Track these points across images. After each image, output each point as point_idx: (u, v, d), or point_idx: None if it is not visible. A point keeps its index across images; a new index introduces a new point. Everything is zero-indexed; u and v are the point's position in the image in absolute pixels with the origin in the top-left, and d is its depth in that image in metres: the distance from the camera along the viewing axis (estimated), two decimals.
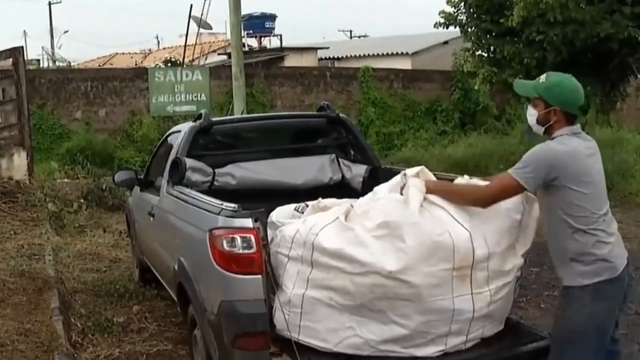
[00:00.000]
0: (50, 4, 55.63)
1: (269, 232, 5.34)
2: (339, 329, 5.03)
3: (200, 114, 7.57)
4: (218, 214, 5.36)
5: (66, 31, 44.91)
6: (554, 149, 4.61)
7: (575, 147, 4.65)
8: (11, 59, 16.78)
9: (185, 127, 7.77)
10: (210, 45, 36.66)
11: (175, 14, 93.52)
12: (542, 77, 4.76)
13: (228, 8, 19.05)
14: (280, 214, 5.50)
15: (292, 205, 5.60)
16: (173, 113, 22.11)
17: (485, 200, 4.87)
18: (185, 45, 27.62)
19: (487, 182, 4.98)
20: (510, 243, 5.12)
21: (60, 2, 56.21)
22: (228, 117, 10.81)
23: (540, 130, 4.80)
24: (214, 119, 7.76)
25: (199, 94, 23.09)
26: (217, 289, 5.37)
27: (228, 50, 26.69)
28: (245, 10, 23.29)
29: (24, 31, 54.25)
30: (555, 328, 4.90)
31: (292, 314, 5.08)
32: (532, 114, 4.81)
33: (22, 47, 17.56)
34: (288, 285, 5.10)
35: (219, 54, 35.48)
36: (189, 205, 6.17)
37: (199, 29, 29.99)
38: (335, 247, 4.91)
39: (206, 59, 33.07)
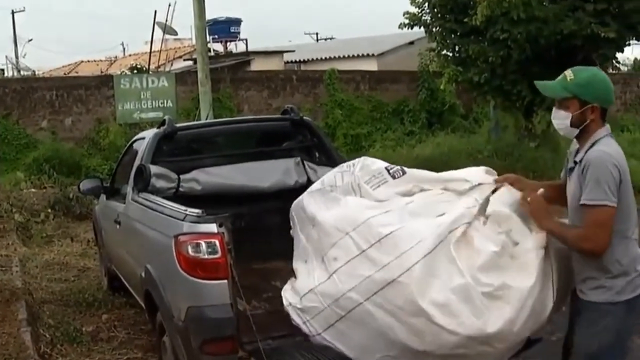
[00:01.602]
0: (13, 12, 55.17)
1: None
2: (375, 351, 4.57)
3: (164, 120, 7.56)
4: (183, 219, 5.37)
5: (30, 40, 44.56)
6: (613, 154, 4.19)
7: (620, 149, 4.33)
8: None
9: (149, 133, 7.75)
10: (176, 51, 36.51)
11: (140, 21, 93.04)
12: (568, 75, 4.37)
13: (193, 13, 19.02)
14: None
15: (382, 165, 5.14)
16: (140, 120, 21.98)
17: (603, 247, 4.19)
18: (150, 52, 27.50)
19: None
20: None
21: (23, 10, 55.67)
22: (192, 123, 10.81)
23: (573, 133, 4.40)
24: (178, 124, 7.75)
25: (165, 100, 22.99)
26: (183, 295, 5.37)
27: (194, 56, 26.62)
28: (210, 15, 23.31)
29: None
30: (579, 343, 4.48)
31: (330, 311, 4.63)
32: (563, 117, 4.38)
33: None
34: (344, 282, 4.52)
35: (184, 60, 35.37)
36: (154, 212, 6.16)
37: (164, 35, 29.87)
38: (441, 300, 4.28)
39: (172, 65, 32.97)
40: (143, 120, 21.45)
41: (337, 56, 32.80)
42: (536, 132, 19.91)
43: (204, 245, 5.14)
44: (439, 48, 19.80)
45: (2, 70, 41.79)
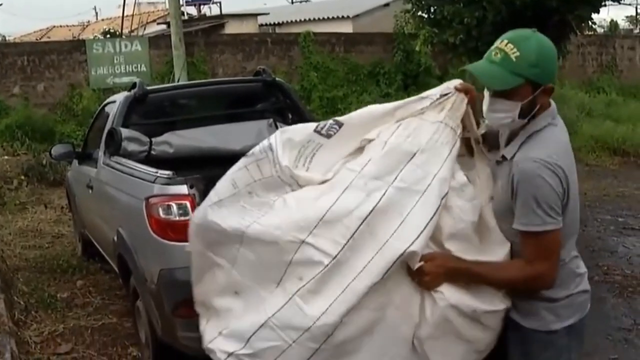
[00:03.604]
0: None
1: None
2: None
3: (135, 83, 7.48)
4: (153, 182, 5.34)
5: (0, 4, 43.92)
6: (551, 159, 3.17)
7: (564, 138, 3.38)
8: None
9: (120, 97, 7.68)
10: (149, 15, 36.25)
11: None
12: (510, 50, 3.19)
13: None
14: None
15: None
16: (113, 85, 21.75)
17: (555, 279, 3.29)
18: (123, 16, 27.25)
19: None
20: None
21: None
22: (163, 86, 10.69)
23: (519, 125, 3.32)
24: (149, 87, 7.67)
25: (139, 65, 22.78)
26: (155, 257, 5.34)
27: (167, 20, 26.37)
28: None
29: None
30: None
31: (299, 347, 3.31)
32: (508, 109, 3.27)
33: None
34: (313, 304, 3.25)
35: (158, 24, 35.11)
36: (125, 175, 6.12)
37: None
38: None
39: (145, 29, 32.64)
40: (117, 85, 21.22)
41: (312, 18, 32.64)
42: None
43: (174, 207, 5.12)
44: (414, 9, 19.69)
45: None
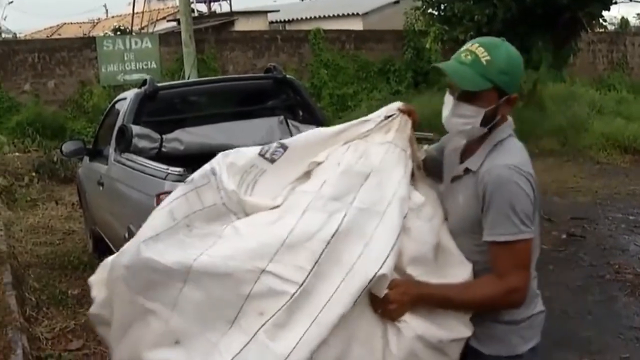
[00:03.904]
0: None
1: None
2: None
3: (145, 80, 7.50)
4: (164, 178, 5.35)
5: (11, 2, 43.92)
6: (522, 165, 3.05)
7: (525, 150, 3.22)
8: None
9: (130, 94, 7.70)
10: (159, 12, 36.26)
11: None
12: (481, 54, 3.06)
13: None
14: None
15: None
16: (124, 82, 21.80)
17: (525, 293, 3.08)
18: (133, 13, 27.28)
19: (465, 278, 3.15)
20: None
21: None
22: (174, 82, 10.71)
23: (478, 134, 3.16)
24: (159, 84, 7.68)
25: (149, 62, 22.83)
26: None
27: (177, 17, 26.39)
28: None
29: None
30: None
31: None
32: (471, 114, 3.10)
33: None
34: (281, 340, 2.83)
35: (168, 21, 35.12)
36: (136, 172, 6.13)
37: None
38: None
39: (155, 26, 32.70)
40: (127, 82, 21.27)
41: (322, 15, 32.59)
42: (522, 91, 19.86)
43: None
44: (424, 7, 19.77)
45: None
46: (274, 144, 3.37)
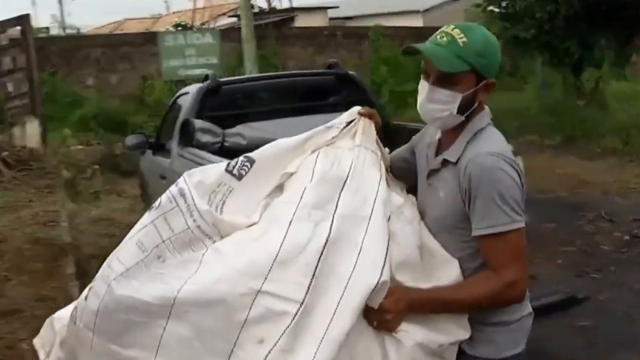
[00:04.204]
0: None
1: None
2: None
3: (208, 75, 7.57)
4: None
5: None
6: (506, 152, 2.90)
7: (504, 141, 3.05)
8: (19, 27, 16.78)
9: (193, 88, 7.77)
10: (220, 8, 36.49)
11: None
12: (457, 35, 2.89)
13: None
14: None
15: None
16: (185, 77, 21.98)
17: (525, 285, 2.93)
18: (194, 9, 27.50)
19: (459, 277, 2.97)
20: None
21: None
22: (236, 77, 10.78)
23: (454, 123, 2.98)
24: (222, 79, 7.75)
25: (209, 57, 22.97)
26: None
27: (238, 13, 26.54)
28: None
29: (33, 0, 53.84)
30: None
31: None
32: (446, 99, 2.92)
33: (29, 14, 17.49)
34: None
35: (229, 17, 35.34)
36: (198, 167, 6.17)
37: None
38: None
39: (216, 21, 32.93)
40: (188, 77, 21.41)
41: (382, 12, 32.57)
42: (584, 89, 19.64)
43: None
44: (485, 4, 19.56)
45: (48, 28, 42.09)
46: (240, 158, 3.11)
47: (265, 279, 2.58)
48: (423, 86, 2.99)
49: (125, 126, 20.04)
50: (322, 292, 2.59)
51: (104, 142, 17.54)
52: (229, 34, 24.34)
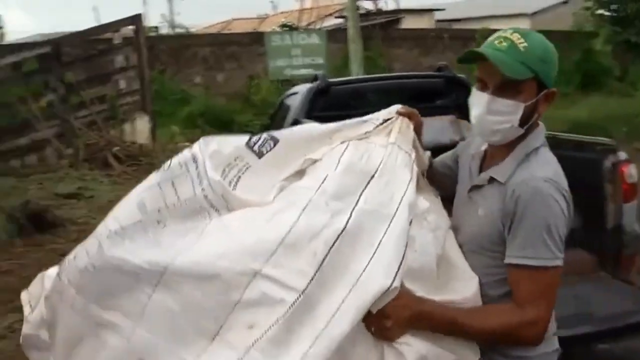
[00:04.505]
0: None
1: None
2: None
3: (317, 75, 7.62)
4: None
5: None
6: (560, 180, 2.65)
7: (560, 169, 2.76)
8: (132, 26, 17.20)
9: (302, 88, 7.82)
10: (327, 9, 36.68)
11: None
12: (517, 39, 2.66)
13: None
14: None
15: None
16: (291, 76, 22.18)
17: (543, 329, 2.64)
18: (301, 9, 27.70)
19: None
20: None
21: None
22: (345, 78, 10.81)
23: (516, 134, 2.73)
24: (331, 80, 7.79)
25: (315, 58, 23.11)
26: None
27: (344, 14, 26.63)
28: None
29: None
30: None
31: None
32: (509, 110, 2.67)
33: (141, 14, 17.93)
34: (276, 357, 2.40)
35: (335, 17, 35.51)
36: None
37: None
38: None
39: (322, 22, 33.11)
40: (294, 77, 21.61)
41: (489, 15, 32.28)
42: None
43: None
44: (594, 7, 19.24)
45: (157, 27, 42.95)
46: (264, 135, 2.91)
47: (267, 261, 2.39)
48: (480, 97, 2.72)
49: (231, 124, 20.32)
50: (327, 286, 2.38)
51: None
52: (335, 35, 24.44)
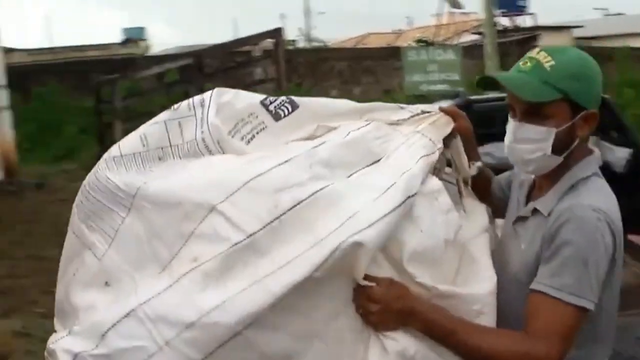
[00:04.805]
0: None
1: None
2: None
3: (458, 92, 7.68)
4: None
5: (322, 12, 46.25)
6: (611, 214, 2.35)
7: (615, 199, 2.47)
8: (271, 40, 17.60)
9: (442, 105, 7.89)
10: (463, 25, 36.56)
11: None
12: (543, 58, 2.42)
13: None
14: None
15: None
16: (426, 92, 22.20)
17: None
18: (437, 25, 27.71)
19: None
20: None
21: None
22: (485, 96, 10.81)
23: (552, 165, 2.48)
24: (471, 97, 7.84)
25: (450, 74, 23.04)
26: None
27: (481, 30, 26.51)
28: None
29: (281, 13, 55.84)
30: None
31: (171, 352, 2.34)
32: (539, 137, 2.42)
33: (281, 28, 18.36)
34: (207, 290, 2.29)
35: (472, 33, 35.35)
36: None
37: (450, 9, 30.01)
38: None
39: (459, 38, 33.03)
40: (430, 93, 21.62)
41: (629, 32, 31.55)
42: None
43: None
44: None
45: (294, 41, 43.62)
46: (282, 98, 2.76)
47: (227, 198, 2.32)
48: (510, 125, 2.51)
49: None
50: (284, 238, 2.24)
51: None
52: (472, 51, 24.34)
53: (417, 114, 2.74)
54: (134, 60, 24.53)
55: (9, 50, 20.67)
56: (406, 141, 2.60)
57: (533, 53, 2.45)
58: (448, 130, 2.73)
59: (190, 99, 2.71)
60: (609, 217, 2.31)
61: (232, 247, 2.23)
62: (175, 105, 2.70)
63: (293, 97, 2.75)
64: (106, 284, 2.51)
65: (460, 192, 2.77)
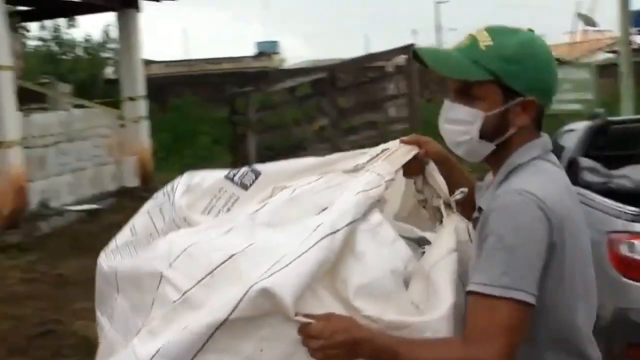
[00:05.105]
0: (437, 2, 57.28)
1: None
2: None
3: (597, 114, 7.54)
4: (617, 216, 5.31)
5: (454, 29, 45.87)
6: (543, 195, 2.15)
7: (562, 177, 2.37)
8: (404, 55, 17.65)
9: (580, 126, 7.74)
10: (597, 43, 35.83)
11: (557, 10, 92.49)
12: (481, 38, 2.29)
13: (616, 4, 18.52)
14: None
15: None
16: (559, 111, 21.84)
17: None
18: (571, 43, 27.23)
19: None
20: None
21: (447, 1, 57.71)
22: (626, 117, 10.58)
23: (482, 152, 2.35)
24: (611, 118, 7.68)
25: (584, 92, 22.59)
26: (611, 295, 5.30)
27: (615, 48, 25.91)
28: (635, 5, 22.49)
29: (413, 29, 56.04)
30: None
31: None
32: (465, 118, 2.31)
33: (413, 44, 18.40)
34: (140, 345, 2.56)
35: (606, 52, 34.58)
36: (584, 206, 6.14)
37: (584, 26, 29.46)
38: None
39: (593, 56, 32.37)
40: (563, 112, 21.27)
41: None
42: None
43: (638, 245, 5.07)
44: None
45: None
46: (244, 168, 2.91)
47: (170, 265, 2.50)
48: (443, 105, 2.41)
49: None
50: (216, 290, 2.35)
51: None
52: (606, 70, 23.82)
53: (377, 155, 2.73)
54: (266, 73, 24.98)
55: (147, 62, 21.30)
56: (355, 184, 2.59)
57: (476, 32, 2.33)
58: (405, 159, 2.69)
59: (164, 187, 2.97)
60: (539, 199, 2.12)
61: (172, 304, 2.42)
62: (155, 195, 3.00)
63: (255, 166, 2.91)
64: (110, 356, 2.71)
65: (440, 217, 2.66)
